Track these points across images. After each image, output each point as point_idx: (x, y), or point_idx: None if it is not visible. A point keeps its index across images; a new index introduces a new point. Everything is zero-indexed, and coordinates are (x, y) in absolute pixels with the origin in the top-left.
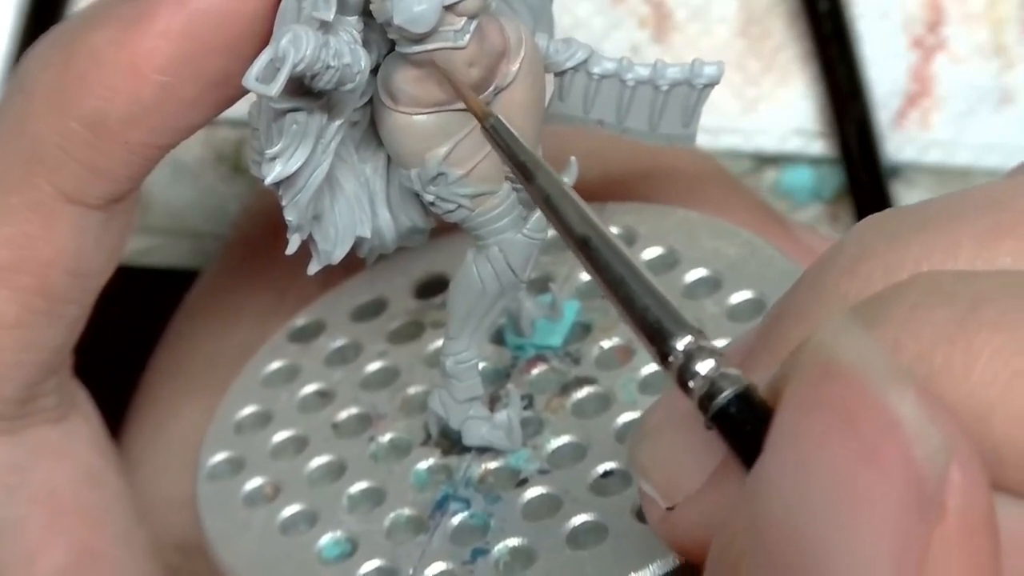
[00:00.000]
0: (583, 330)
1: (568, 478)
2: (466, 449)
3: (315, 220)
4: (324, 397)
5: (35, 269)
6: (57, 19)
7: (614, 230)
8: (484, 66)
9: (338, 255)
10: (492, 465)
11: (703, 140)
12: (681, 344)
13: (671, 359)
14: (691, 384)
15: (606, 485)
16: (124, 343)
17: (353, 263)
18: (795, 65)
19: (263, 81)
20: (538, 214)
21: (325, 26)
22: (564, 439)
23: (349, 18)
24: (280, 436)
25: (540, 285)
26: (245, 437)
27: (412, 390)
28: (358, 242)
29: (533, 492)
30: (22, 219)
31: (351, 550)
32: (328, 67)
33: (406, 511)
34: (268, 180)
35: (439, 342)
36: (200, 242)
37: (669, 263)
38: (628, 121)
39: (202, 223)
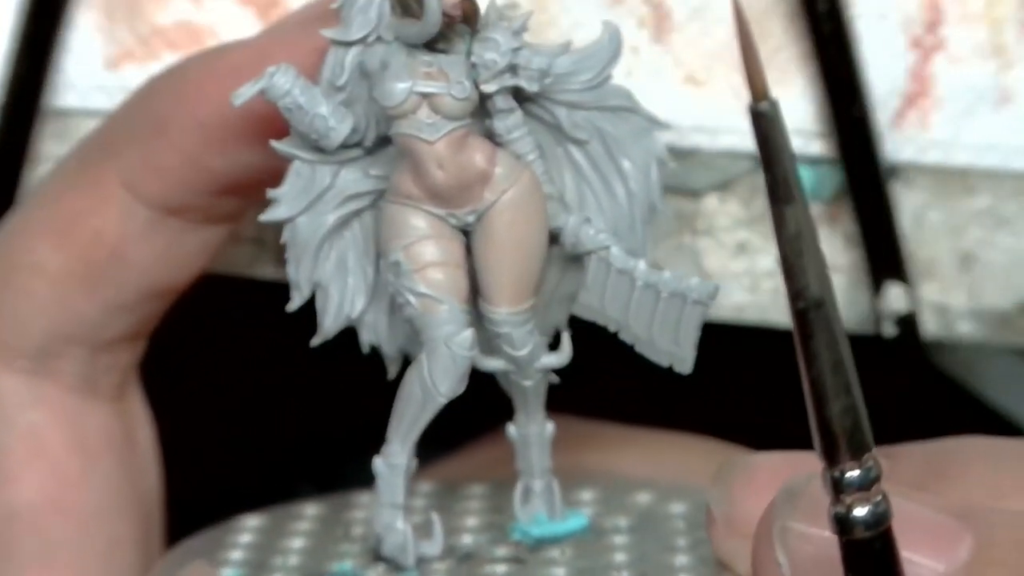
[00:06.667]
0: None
1: None
2: (381, 559)
3: (317, 287)
4: None
5: (80, 239)
6: (57, 19)
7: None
8: (455, 176)
9: (328, 327)
10: None
11: (702, 140)
12: (850, 468)
13: (835, 473)
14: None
15: None
16: None
17: None
18: (794, 65)
19: (241, 96)
20: (466, 332)
21: (333, 88)
22: None
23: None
24: None
25: (571, 499)
26: None
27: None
28: (358, 329)
29: None
30: (83, 194)
31: None
32: (299, 107)
33: None
34: (263, 218)
35: None
36: None
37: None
38: (631, 323)
39: None
